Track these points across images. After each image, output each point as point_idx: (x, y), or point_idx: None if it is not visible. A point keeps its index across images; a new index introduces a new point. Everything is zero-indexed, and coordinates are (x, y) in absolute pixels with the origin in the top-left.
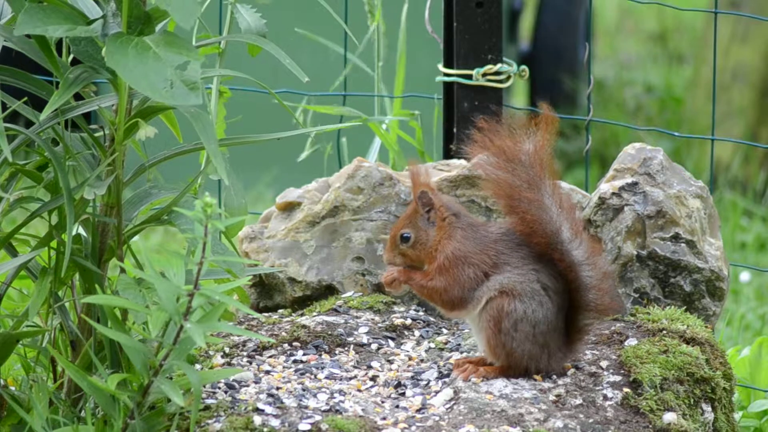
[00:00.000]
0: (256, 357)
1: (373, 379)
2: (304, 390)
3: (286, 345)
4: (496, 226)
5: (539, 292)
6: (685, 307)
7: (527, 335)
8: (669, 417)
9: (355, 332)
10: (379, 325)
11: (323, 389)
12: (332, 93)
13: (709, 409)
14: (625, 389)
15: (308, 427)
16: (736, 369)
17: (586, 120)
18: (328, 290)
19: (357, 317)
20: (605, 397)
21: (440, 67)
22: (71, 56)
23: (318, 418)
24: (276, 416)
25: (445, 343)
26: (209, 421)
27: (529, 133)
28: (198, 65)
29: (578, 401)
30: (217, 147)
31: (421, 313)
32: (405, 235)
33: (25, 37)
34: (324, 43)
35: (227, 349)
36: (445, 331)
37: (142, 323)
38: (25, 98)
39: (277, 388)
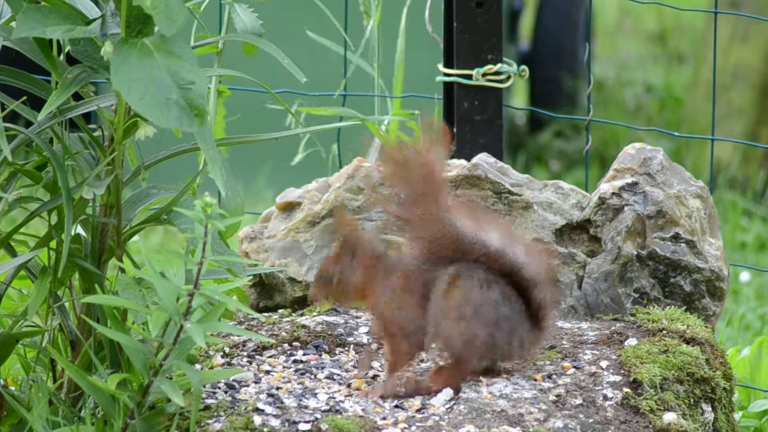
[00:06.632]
0: (256, 357)
1: (374, 378)
2: (304, 390)
3: (286, 345)
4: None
5: (488, 277)
6: (685, 307)
7: (488, 321)
8: (669, 417)
9: (355, 332)
10: None
11: (323, 389)
12: (331, 93)
13: (709, 409)
14: (625, 389)
15: (308, 427)
16: (736, 369)
17: (586, 120)
18: None
19: (357, 317)
20: (605, 397)
21: (440, 67)
22: (66, 52)
23: (318, 417)
24: (276, 416)
25: None
26: (209, 421)
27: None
28: (204, 87)
29: (578, 401)
30: (217, 153)
31: None
32: (330, 273)
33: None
34: (324, 44)
35: (227, 349)
36: None
37: (142, 323)
38: (24, 98)
39: (277, 388)
